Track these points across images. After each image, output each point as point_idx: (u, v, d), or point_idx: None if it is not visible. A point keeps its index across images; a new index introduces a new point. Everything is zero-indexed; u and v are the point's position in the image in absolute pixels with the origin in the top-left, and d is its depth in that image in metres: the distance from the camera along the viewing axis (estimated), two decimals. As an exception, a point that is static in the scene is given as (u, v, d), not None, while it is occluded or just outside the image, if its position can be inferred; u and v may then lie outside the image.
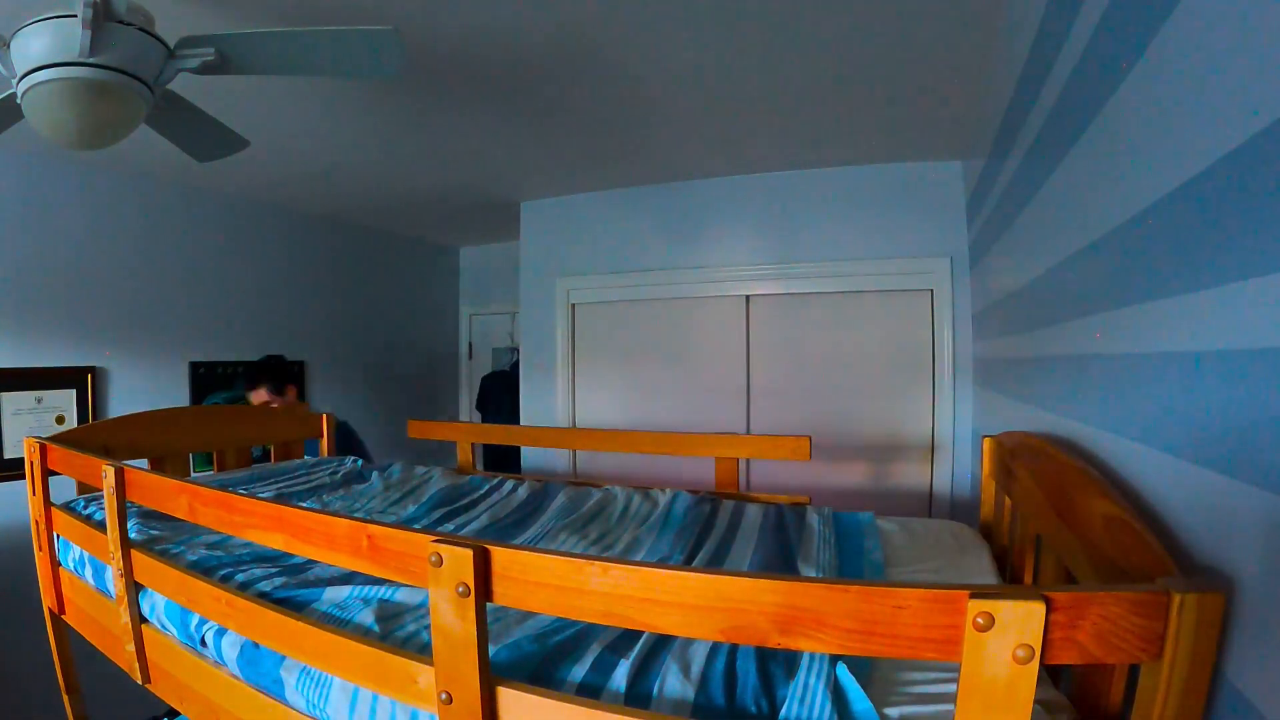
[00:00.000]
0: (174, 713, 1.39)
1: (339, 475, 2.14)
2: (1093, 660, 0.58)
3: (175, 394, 3.15)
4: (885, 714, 0.79)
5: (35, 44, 1.22)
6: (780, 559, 1.37)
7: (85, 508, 1.64)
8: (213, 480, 1.99)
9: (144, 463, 1.96)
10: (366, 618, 1.05)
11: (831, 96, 2.25)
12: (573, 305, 3.57)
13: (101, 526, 1.42)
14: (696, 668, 0.86)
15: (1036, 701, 0.57)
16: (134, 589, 1.34)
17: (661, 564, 1.00)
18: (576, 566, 0.71)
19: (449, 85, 2.10)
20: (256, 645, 1.09)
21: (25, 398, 2.62)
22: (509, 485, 2.03)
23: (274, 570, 1.28)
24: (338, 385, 4.06)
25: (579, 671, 0.87)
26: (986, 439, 1.61)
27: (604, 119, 2.45)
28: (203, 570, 1.28)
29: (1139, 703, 0.64)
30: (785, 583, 0.62)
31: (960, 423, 2.85)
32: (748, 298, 3.23)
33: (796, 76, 2.08)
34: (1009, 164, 1.79)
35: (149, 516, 1.58)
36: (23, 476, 1.73)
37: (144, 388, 3.01)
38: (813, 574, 1.29)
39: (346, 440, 2.76)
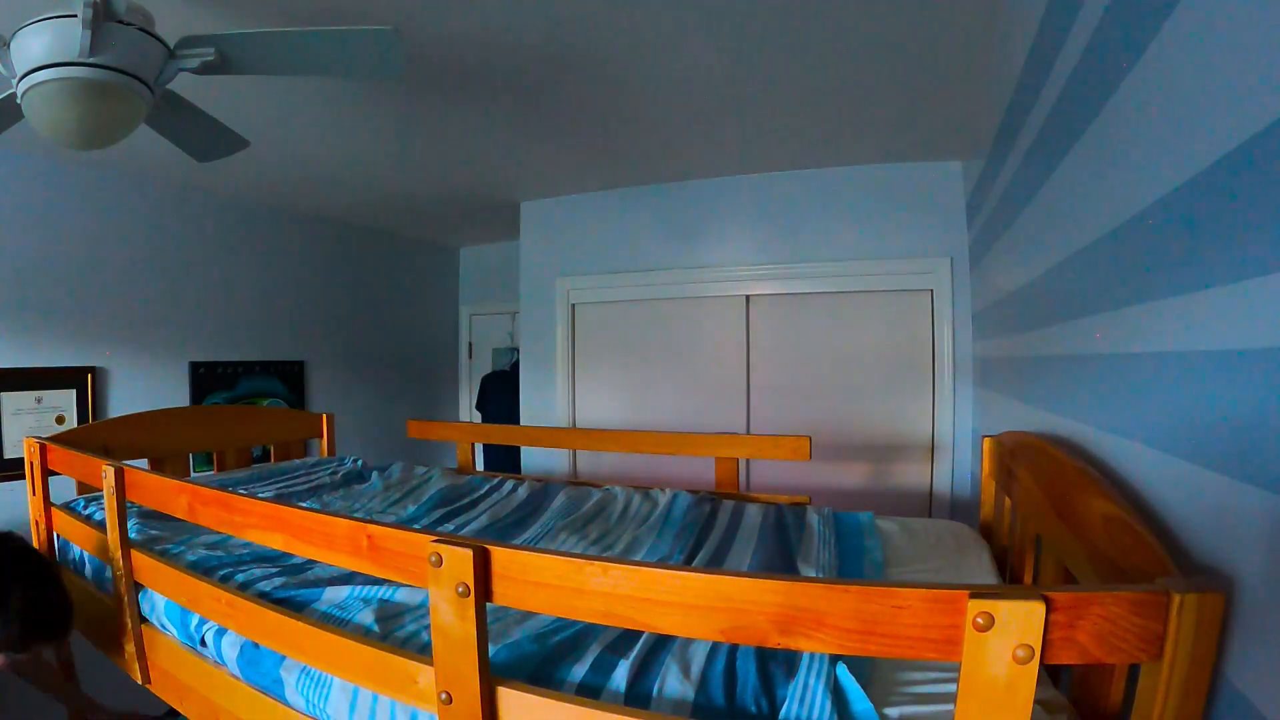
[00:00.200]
0: (174, 713, 1.39)
1: (339, 475, 2.14)
2: (1092, 660, 0.58)
3: (175, 394, 3.15)
4: (885, 714, 0.79)
5: (35, 44, 1.22)
6: (780, 559, 1.37)
7: (85, 508, 1.64)
8: (213, 480, 1.99)
9: (144, 463, 1.96)
10: (366, 618, 1.05)
11: (831, 97, 2.25)
12: (573, 305, 3.57)
13: (101, 526, 1.42)
14: (696, 668, 0.86)
15: (1036, 701, 0.57)
16: (134, 589, 1.34)
17: (661, 564, 1.00)
18: (576, 566, 0.71)
19: (449, 85, 2.10)
20: (256, 645, 1.09)
21: (25, 398, 2.62)
22: (509, 485, 2.03)
23: (274, 570, 1.28)
24: (338, 385, 4.06)
25: (579, 671, 0.87)
26: (986, 439, 1.61)
27: (604, 119, 2.45)
28: (203, 570, 1.28)
29: (1139, 703, 0.64)
30: (785, 583, 0.62)
31: (960, 423, 2.85)
32: (748, 298, 3.23)
33: (796, 77, 2.08)
34: (1009, 164, 1.79)
35: (149, 516, 1.58)
36: (23, 476, 1.73)
37: (144, 388, 3.01)
38: (813, 574, 1.29)
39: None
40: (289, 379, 3.73)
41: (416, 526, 1.62)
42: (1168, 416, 0.78)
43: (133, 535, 1.42)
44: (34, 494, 1.68)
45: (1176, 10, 0.75)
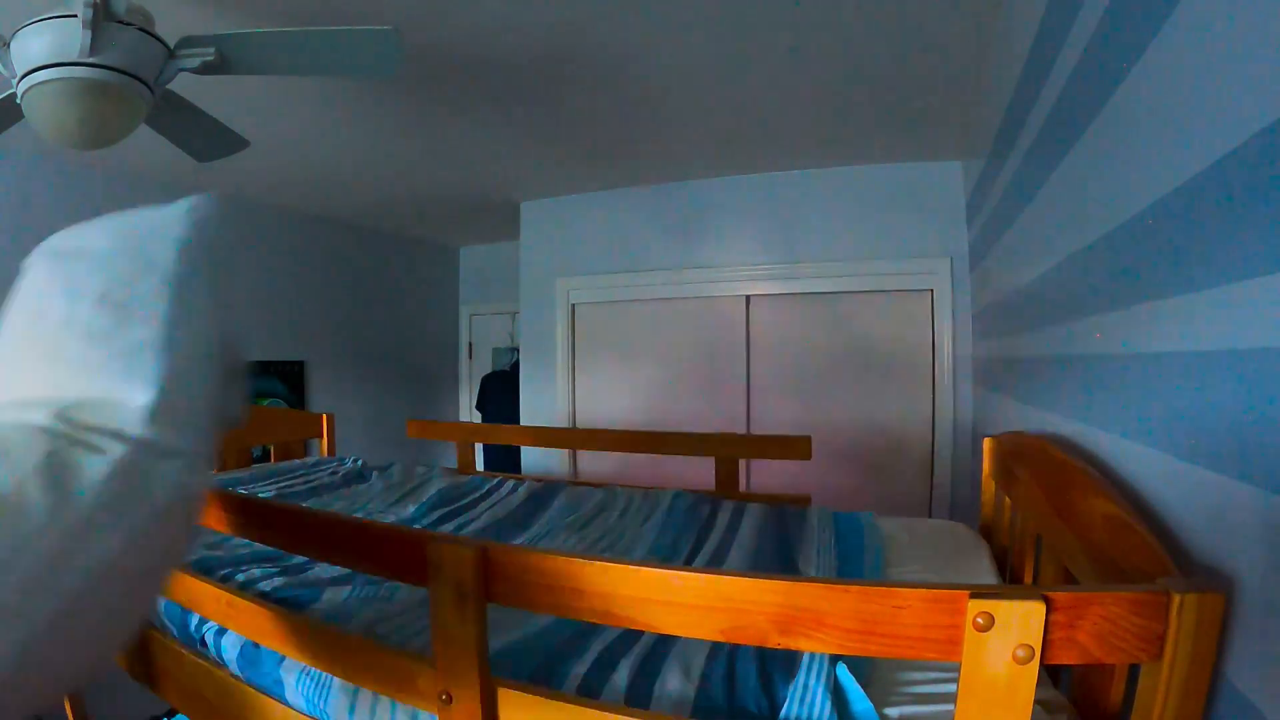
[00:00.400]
0: (174, 713, 1.39)
1: (339, 475, 2.14)
2: (1093, 660, 0.58)
3: (175, 394, 3.14)
4: (885, 714, 0.79)
5: (35, 44, 1.22)
6: (780, 559, 1.37)
7: (85, 508, 1.64)
8: (212, 480, 1.99)
9: (144, 463, 1.96)
10: (367, 617, 1.05)
11: (832, 97, 2.25)
12: (573, 305, 3.57)
13: (101, 526, 1.41)
14: (697, 668, 0.86)
15: (1036, 701, 0.57)
16: (134, 589, 1.33)
17: (661, 564, 1.00)
18: (576, 566, 0.71)
19: (449, 85, 2.10)
20: (256, 645, 1.09)
21: (25, 398, 2.62)
22: (509, 485, 2.03)
23: (274, 570, 1.28)
24: (338, 385, 4.05)
25: (579, 671, 0.87)
26: (986, 439, 1.61)
27: (604, 119, 2.45)
28: (203, 570, 1.28)
29: (1139, 703, 0.64)
30: (785, 583, 0.62)
31: (960, 423, 2.85)
32: (748, 298, 3.23)
33: (797, 77, 2.08)
34: (1009, 164, 1.79)
35: (149, 516, 1.58)
36: (23, 476, 1.72)
37: (144, 388, 3.01)
38: (813, 574, 1.29)
39: None
40: (289, 379, 3.73)
41: (416, 527, 1.62)
42: (1167, 416, 0.78)
43: (133, 535, 1.42)
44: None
45: (1176, 11, 0.75)
